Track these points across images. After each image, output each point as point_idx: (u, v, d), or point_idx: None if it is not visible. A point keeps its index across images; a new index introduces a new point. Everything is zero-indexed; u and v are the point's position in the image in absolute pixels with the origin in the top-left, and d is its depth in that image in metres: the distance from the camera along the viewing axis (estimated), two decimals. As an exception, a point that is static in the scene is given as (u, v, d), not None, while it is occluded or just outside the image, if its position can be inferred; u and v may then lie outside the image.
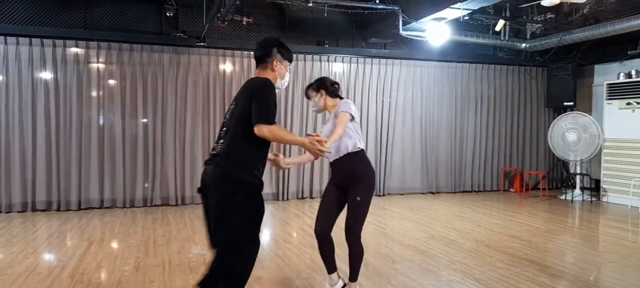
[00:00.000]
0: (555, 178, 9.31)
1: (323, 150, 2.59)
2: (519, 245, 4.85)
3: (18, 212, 6.32)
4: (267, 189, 7.54)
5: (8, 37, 6.25)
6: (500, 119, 8.95)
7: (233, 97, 2.79)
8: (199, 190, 2.61)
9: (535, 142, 9.19)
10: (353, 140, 3.10)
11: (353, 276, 3.22)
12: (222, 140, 2.58)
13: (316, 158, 2.87)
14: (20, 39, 6.29)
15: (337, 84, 3.31)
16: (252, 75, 2.86)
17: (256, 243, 2.57)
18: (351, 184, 3.09)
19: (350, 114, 3.04)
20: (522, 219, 6.23)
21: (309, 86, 3.29)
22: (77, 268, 3.93)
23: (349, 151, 3.09)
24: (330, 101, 3.24)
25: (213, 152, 2.60)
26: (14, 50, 6.28)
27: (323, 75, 7.72)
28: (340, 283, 3.28)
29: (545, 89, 8.96)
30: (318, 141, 2.59)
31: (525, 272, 3.95)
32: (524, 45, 8.13)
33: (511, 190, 8.94)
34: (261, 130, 2.45)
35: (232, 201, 2.47)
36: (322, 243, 3.21)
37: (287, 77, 2.82)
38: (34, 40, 6.35)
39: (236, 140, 2.54)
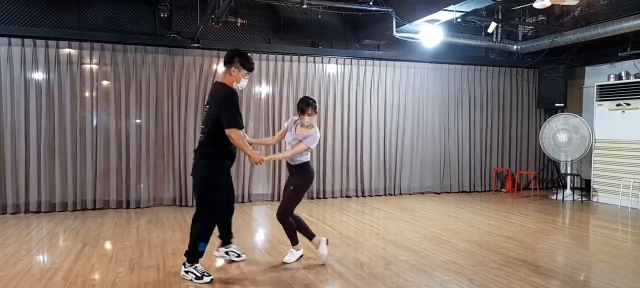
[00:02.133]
0: (546, 179, 9.41)
1: (262, 162, 3.78)
2: (512, 245, 4.91)
3: (11, 213, 6.27)
4: (264, 190, 7.57)
5: (0, 38, 6.20)
6: (492, 120, 9.02)
7: (207, 99, 3.93)
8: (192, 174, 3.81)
9: (526, 143, 9.27)
10: (303, 157, 4.04)
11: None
12: (202, 136, 3.70)
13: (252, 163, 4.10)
14: (12, 39, 6.24)
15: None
16: None
17: (216, 200, 3.72)
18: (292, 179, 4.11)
19: (309, 147, 3.96)
20: (514, 219, 6.29)
21: (312, 105, 3.96)
22: (71, 270, 3.91)
23: (299, 163, 4.04)
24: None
25: (197, 146, 3.79)
26: (6, 51, 6.23)
27: (317, 76, 7.78)
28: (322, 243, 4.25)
29: (537, 90, 9.05)
30: (260, 162, 3.76)
31: (517, 271, 4.00)
32: (515, 47, 8.19)
33: (503, 190, 9.02)
34: (230, 133, 3.53)
35: (207, 176, 3.65)
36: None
37: (243, 82, 3.73)
38: (27, 40, 6.29)
39: (213, 137, 3.60)
